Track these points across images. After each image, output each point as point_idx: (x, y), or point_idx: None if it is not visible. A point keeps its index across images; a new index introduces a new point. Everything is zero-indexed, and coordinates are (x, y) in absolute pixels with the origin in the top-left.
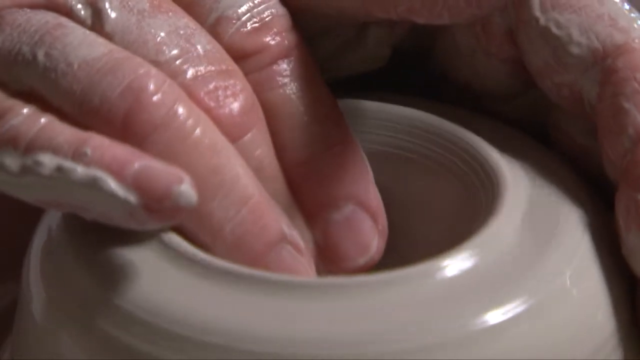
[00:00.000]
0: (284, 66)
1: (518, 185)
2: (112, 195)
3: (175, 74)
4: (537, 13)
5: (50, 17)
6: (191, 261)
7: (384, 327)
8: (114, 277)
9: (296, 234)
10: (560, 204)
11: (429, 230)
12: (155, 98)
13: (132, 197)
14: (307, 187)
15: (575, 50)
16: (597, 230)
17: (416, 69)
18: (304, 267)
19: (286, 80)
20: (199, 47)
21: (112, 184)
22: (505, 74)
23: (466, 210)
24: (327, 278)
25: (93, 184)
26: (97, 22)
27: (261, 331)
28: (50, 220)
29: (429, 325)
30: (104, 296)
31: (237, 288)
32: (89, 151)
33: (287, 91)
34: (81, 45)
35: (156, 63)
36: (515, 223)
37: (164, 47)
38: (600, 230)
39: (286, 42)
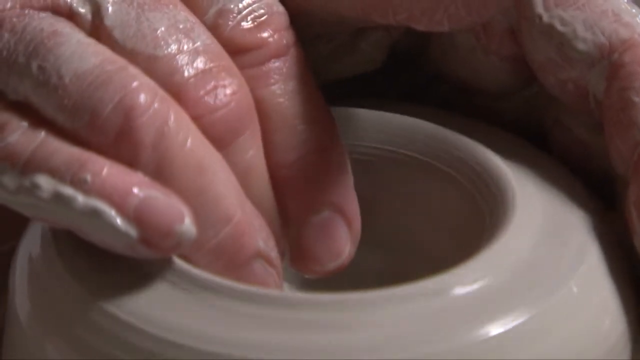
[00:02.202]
0: (280, 64)
1: (527, 194)
2: (112, 227)
3: (173, 71)
4: (540, 10)
5: (46, 25)
6: (178, 275)
7: (384, 343)
8: (97, 287)
9: (271, 244)
10: (568, 213)
11: (434, 237)
12: (145, 118)
13: (132, 232)
14: (289, 189)
15: (581, 45)
16: (605, 237)
17: (407, 68)
18: (274, 279)
19: (280, 78)
20: (198, 42)
21: (113, 217)
22: (504, 71)
23: (472, 217)
24: (330, 294)
25: (93, 215)
26: (96, 17)
27: (266, 345)
28: (35, 231)
29: (432, 340)
30: (86, 306)
31: (243, 306)
32: (89, 178)
33: (280, 90)
34: (73, 57)
35: (154, 58)
36: (525, 236)
37: (163, 42)
38: (608, 237)
39: (284, 40)
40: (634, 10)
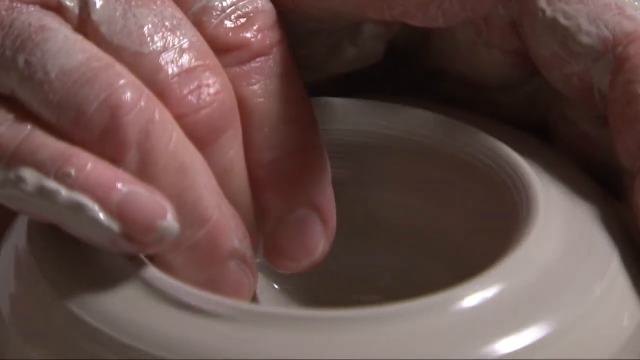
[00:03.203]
0: (261, 64)
1: (550, 198)
2: (95, 222)
3: (157, 69)
4: (543, 5)
5: (34, 19)
6: (159, 289)
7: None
8: (65, 287)
9: (246, 244)
10: (587, 211)
11: (456, 230)
12: (131, 117)
13: (115, 226)
14: (266, 188)
15: (585, 39)
16: (620, 231)
17: (407, 63)
18: (249, 278)
19: (261, 78)
20: (184, 40)
21: (96, 212)
22: (506, 65)
23: (497, 211)
24: (342, 310)
25: (76, 209)
26: (84, 11)
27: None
28: (22, 224)
29: (449, 356)
30: (53, 306)
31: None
32: (73, 172)
33: (261, 90)
34: (59, 53)
35: (140, 55)
36: (547, 243)
37: (149, 39)
38: (622, 230)
39: (267, 40)
40: (637, 3)
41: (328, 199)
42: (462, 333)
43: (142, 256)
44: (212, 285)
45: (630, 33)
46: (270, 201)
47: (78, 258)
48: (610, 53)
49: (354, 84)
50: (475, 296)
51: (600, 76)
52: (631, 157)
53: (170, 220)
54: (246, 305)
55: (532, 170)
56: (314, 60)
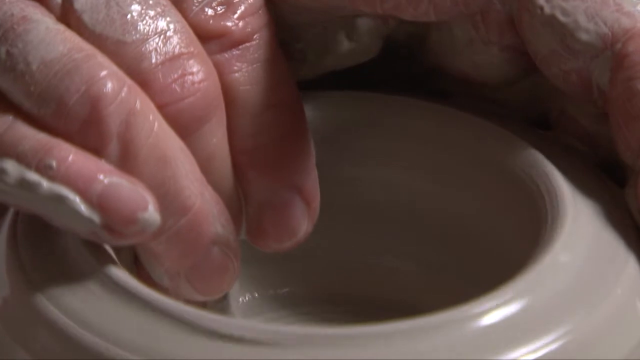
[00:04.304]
0: (242, 52)
1: (577, 209)
2: (75, 213)
3: (140, 57)
4: (541, 2)
5: (16, 10)
6: (123, 289)
7: None
8: (39, 282)
9: (229, 229)
10: (603, 215)
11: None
12: (111, 108)
13: (95, 218)
14: (250, 173)
15: (583, 36)
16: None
17: (406, 60)
18: (232, 263)
19: (243, 66)
20: (169, 27)
21: (77, 203)
22: (504, 62)
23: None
24: (360, 327)
25: (57, 200)
26: (67, 1)
27: None
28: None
29: None
30: (26, 300)
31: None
32: (54, 164)
33: (243, 77)
34: (41, 44)
35: (122, 43)
36: (570, 256)
37: (131, 28)
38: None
39: (249, 27)
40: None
41: (311, 181)
42: (484, 348)
43: (112, 255)
44: (196, 271)
45: (628, 29)
46: (254, 185)
47: (54, 256)
48: (609, 49)
49: (352, 82)
50: (498, 312)
51: (599, 73)
52: (633, 153)
53: (151, 212)
54: (205, 313)
55: (559, 173)
56: (310, 55)
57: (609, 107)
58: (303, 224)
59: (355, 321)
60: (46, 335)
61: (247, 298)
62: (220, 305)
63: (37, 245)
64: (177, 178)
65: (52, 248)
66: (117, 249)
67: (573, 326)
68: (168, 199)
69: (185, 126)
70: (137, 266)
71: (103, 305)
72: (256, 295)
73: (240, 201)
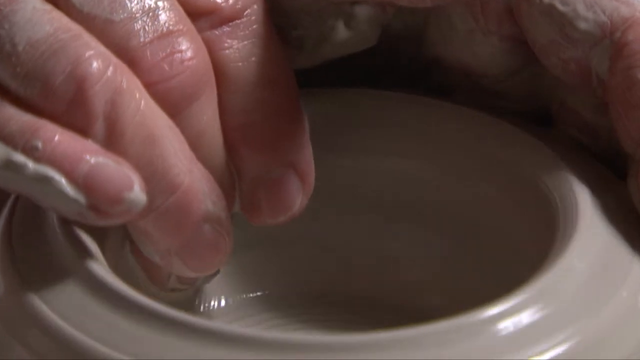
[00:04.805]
0: (233, 28)
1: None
2: (62, 194)
3: (128, 36)
4: None
5: None
6: (127, 302)
7: None
8: (29, 278)
9: (221, 206)
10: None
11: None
12: (96, 88)
13: (81, 198)
14: (242, 150)
15: (582, 25)
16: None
17: (405, 52)
18: (224, 240)
19: (234, 43)
20: (157, 5)
21: (63, 184)
22: (504, 52)
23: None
24: (366, 333)
25: (43, 181)
26: None
27: None
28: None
29: None
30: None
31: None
32: (40, 145)
33: (234, 54)
34: (27, 25)
35: (110, 22)
36: (584, 260)
37: (119, 6)
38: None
39: (239, 4)
40: None
41: (305, 157)
42: (501, 352)
43: (100, 256)
44: (187, 248)
45: (627, 18)
46: (247, 162)
47: (46, 255)
48: (608, 38)
49: (350, 73)
50: (514, 319)
51: (598, 62)
52: (633, 142)
53: (136, 192)
54: (197, 319)
55: (573, 176)
56: (307, 43)
57: (608, 96)
58: (297, 199)
59: (355, 323)
60: (38, 334)
61: (239, 298)
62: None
63: (30, 245)
64: (164, 156)
65: (45, 247)
66: (103, 236)
67: (582, 328)
68: (156, 178)
69: (174, 104)
70: (130, 243)
71: (89, 305)
72: (250, 295)
73: (232, 178)
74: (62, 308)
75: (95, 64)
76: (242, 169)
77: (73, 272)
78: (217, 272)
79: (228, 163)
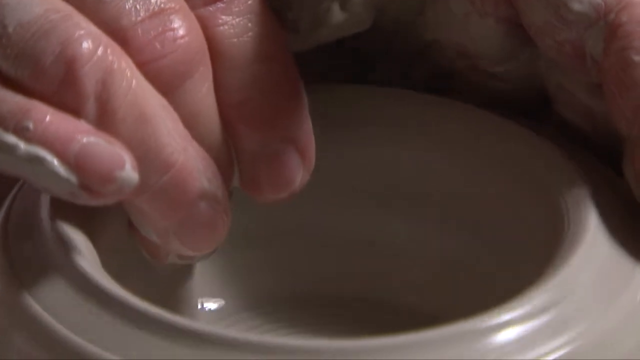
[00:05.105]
0: (227, 5)
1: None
2: (53, 174)
3: (119, 15)
4: None
5: None
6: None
7: None
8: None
9: (217, 183)
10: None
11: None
12: (87, 68)
13: (73, 178)
14: (239, 127)
15: (577, 7)
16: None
17: (401, 35)
18: (222, 218)
19: (228, 19)
20: None
21: (55, 164)
22: (501, 34)
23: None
24: (369, 339)
25: (35, 162)
26: None
27: None
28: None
29: None
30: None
31: None
32: (31, 125)
33: (228, 31)
34: (18, 6)
35: (102, 2)
36: (590, 267)
37: None
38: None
39: None
40: None
41: (304, 131)
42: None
43: (86, 253)
44: (184, 227)
45: None
46: (245, 139)
47: (41, 255)
48: (602, 20)
49: (345, 58)
50: (520, 322)
51: (592, 43)
52: (628, 123)
53: (128, 170)
54: (190, 321)
55: (579, 176)
56: (303, 25)
57: (603, 77)
58: (298, 174)
59: (355, 325)
60: (30, 334)
61: (231, 301)
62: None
63: (25, 245)
64: (157, 135)
65: (39, 247)
66: (98, 235)
67: (587, 331)
68: (150, 157)
69: (167, 83)
70: (129, 223)
71: (80, 304)
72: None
73: (230, 155)
74: (54, 307)
75: (85, 44)
76: (240, 146)
77: (65, 271)
78: (215, 249)
79: (225, 140)
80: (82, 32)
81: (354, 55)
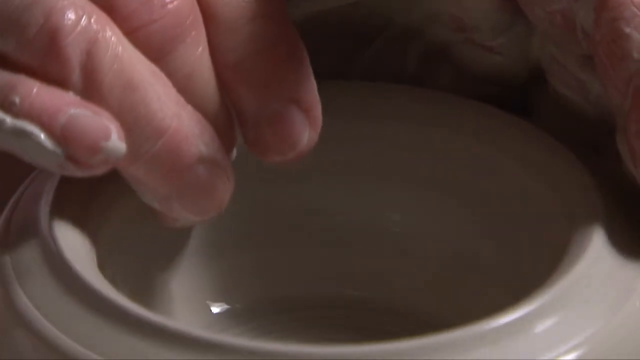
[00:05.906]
0: None
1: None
2: (40, 147)
3: None
4: None
5: None
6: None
7: None
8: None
9: (215, 146)
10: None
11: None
12: (71, 38)
13: (59, 150)
14: (237, 88)
15: None
16: None
17: (399, 10)
18: (223, 181)
19: None
20: None
21: (41, 138)
22: (495, 6)
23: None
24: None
25: (22, 136)
26: None
27: None
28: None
29: None
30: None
31: None
32: (17, 100)
33: None
34: None
35: None
36: (595, 272)
37: None
38: None
39: None
40: None
41: (307, 89)
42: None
43: (94, 261)
44: (184, 192)
45: None
46: (245, 101)
47: (40, 259)
48: None
49: (344, 33)
50: (526, 326)
51: (583, 13)
52: (620, 94)
53: (114, 141)
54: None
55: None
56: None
57: (594, 48)
58: (304, 134)
59: (354, 328)
60: (23, 335)
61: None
62: None
63: (24, 248)
64: (147, 102)
65: (38, 250)
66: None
67: (594, 336)
68: (140, 124)
69: (158, 49)
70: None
71: (74, 308)
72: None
73: (229, 118)
74: (45, 308)
75: (68, 14)
76: (241, 109)
77: (58, 273)
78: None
79: (223, 103)
80: (65, 2)
81: (352, 30)
